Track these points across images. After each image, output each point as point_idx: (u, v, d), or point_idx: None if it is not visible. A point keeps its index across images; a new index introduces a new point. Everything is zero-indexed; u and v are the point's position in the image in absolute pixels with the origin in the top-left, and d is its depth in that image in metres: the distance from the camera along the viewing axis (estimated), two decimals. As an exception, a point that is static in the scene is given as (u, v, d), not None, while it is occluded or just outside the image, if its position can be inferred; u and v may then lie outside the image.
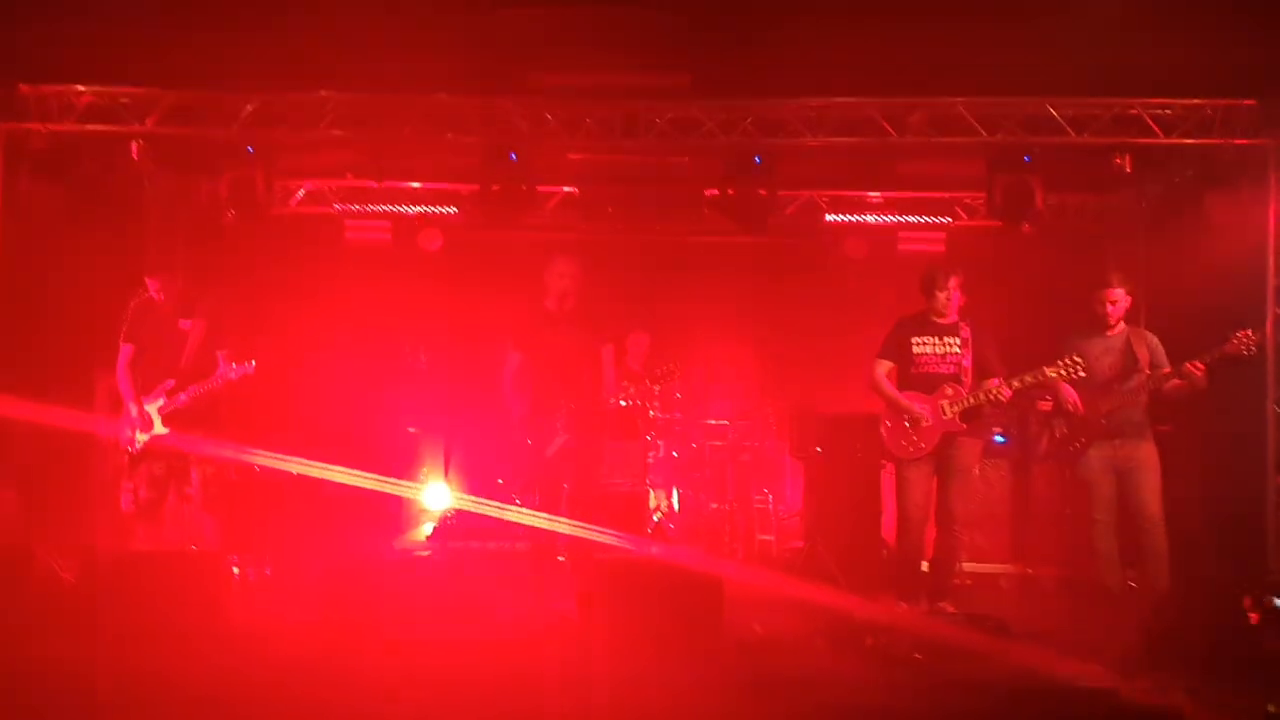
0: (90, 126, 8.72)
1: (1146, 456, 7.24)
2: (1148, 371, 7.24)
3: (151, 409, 7.29)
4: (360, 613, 5.73)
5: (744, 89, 8.61)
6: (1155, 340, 7.40)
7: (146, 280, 7.47)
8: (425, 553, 9.19)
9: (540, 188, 9.55)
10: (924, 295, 7.29)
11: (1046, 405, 8.60)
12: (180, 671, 5.33)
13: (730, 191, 9.12)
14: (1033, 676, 5.41)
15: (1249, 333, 7.07)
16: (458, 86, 8.68)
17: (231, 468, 7.65)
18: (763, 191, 9.04)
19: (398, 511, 9.96)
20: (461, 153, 9.33)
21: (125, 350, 7.45)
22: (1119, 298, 7.33)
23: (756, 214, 9.23)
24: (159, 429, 7.28)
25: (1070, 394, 7.31)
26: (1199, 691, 5.25)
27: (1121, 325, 7.40)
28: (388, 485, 10.13)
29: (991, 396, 6.97)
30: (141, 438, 7.28)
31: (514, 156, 8.85)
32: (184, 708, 5.10)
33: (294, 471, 8.95)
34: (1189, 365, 7.01)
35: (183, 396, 7.25)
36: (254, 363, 7.25)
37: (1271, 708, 4.99)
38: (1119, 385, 7.29)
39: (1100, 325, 7.40)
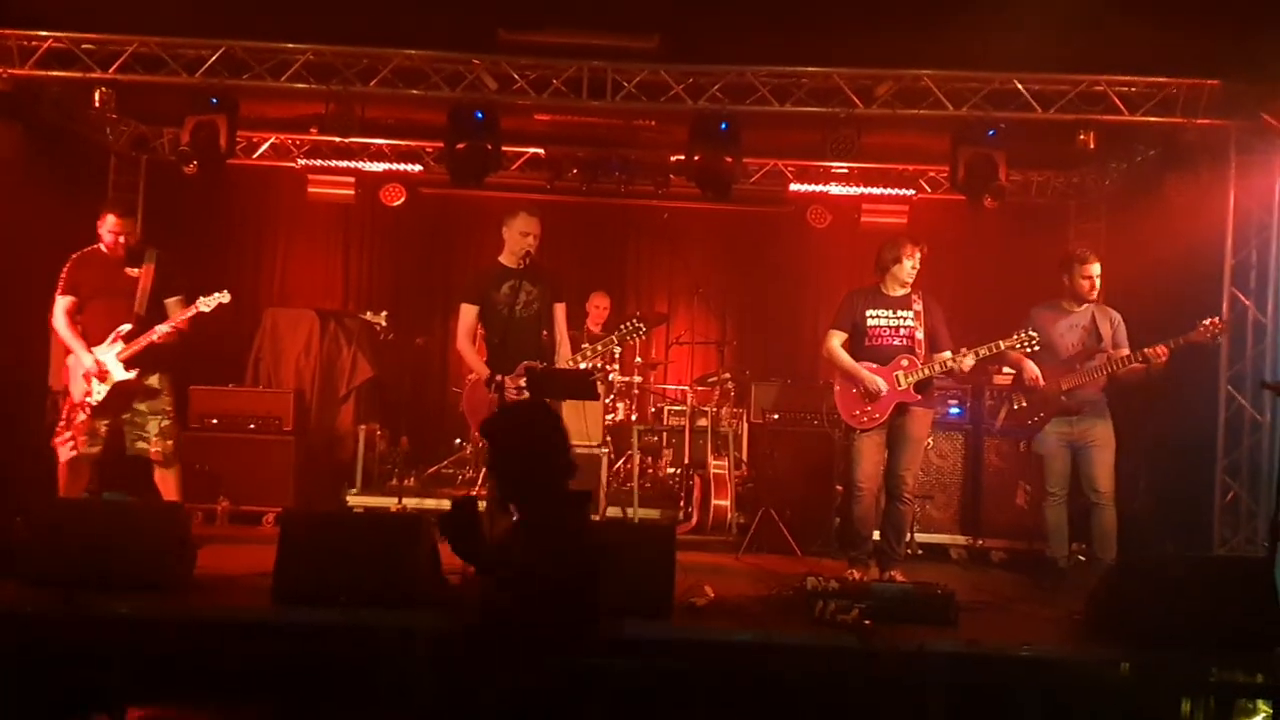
0: (52, 73, 8.58)
1: (1103, 434, 7.32)
2: (1110, 350, 7.31)
3: (108, 356, 7.14)
4: (314, 563, 5.72)
5: (712, 55, 8.57)
6: (1119, 318, 7.45)
7: (108, 215, 7.25)
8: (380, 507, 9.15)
9: (505, 148, 9.49)
10: (882, 266, 7.21)
11: (1004, 379, 8.75)
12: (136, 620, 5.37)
13: (696, 157, 9.08)
14: (980, 645, 5.48)
15: (1216, 320, 7.13)
16: (426, 42, 8.58)
17: (184, 419, 7.56)
18: (728, 158, 9.02)
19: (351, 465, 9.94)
20: (428, 109, 9.28)
21: (63, 303, 7.24)
22: (1099, 273, 7.38)
23: (721, 180, 9.20)
24: (121, 375, 7.13)
25: (1031, 370, 7.36)
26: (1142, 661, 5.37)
27: (1088, 302, 7.47)
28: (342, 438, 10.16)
29: (949, 367, 7.01)
30: (101, 388, 7.12)
31: (480, 115, 8.78)
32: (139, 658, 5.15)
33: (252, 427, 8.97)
34: (1152, 350, 7.05)
35: (154, 337, 7.11)
36: (226, 293, 7.19)
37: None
38: (1081, 363, 7.35)
39: (1076, 299, 7.45)
